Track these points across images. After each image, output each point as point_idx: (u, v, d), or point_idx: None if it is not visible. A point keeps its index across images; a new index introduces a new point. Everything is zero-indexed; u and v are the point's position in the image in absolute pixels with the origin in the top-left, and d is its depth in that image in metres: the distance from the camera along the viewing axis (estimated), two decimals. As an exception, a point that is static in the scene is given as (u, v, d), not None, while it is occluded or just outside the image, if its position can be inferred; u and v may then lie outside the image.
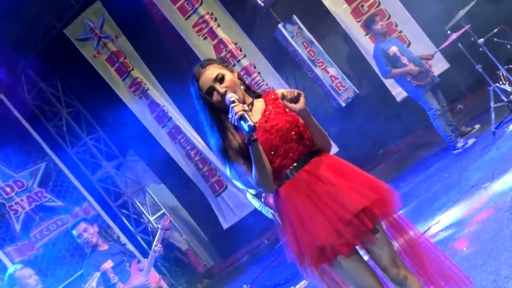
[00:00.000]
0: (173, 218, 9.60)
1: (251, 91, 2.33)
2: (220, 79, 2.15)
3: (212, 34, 7.74)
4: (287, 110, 2.17)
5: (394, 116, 7.38)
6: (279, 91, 2.25)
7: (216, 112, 2.18)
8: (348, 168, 2.20)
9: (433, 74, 5.41)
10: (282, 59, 7.63)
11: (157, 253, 4.68)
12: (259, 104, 2.26)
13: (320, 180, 2.11)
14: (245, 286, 6.46)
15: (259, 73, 7.77)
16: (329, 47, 7.33)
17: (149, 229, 9.48)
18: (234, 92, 2.13)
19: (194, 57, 7.90)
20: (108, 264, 4.46)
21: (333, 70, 7.27)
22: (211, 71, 2.17)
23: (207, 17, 7.71)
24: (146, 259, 4.89)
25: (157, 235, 4.78)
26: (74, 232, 4.54)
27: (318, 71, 7.21)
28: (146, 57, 8.38)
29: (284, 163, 2.16)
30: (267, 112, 2.21)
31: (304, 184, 2.12)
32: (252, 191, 5.18)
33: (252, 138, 2.03)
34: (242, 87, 2.23)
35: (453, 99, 6.48)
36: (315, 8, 7.23)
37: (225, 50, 7.72)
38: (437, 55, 6.31)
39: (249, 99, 2.26)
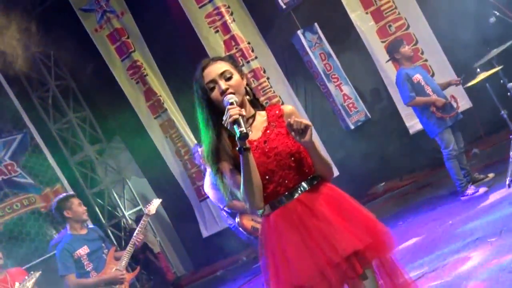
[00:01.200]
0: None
1: (258, 104, 2.27)
2: (227, 77, 2.11)
3: (225, 29, 7.70)
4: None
5: (404, 149, 7.33)
6: (286, 108, 2.22)
7: (213, 109, 2.13)
8: (346, 203, 2.16)
9: (458, 110, 5.37)
10: (295, 67, 7.58)
11: (137, 244, 4.63)
12: (261, 119, 2.21)
13: (313, 214, 2.08)
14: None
15: (268, 78, 7.72)
16: (347, 63, 7.28)
17: (122, 224, 9.38)
18: (236, 94, 2.09)
19: (201, 49, 7.85)
20: (83, 251, 4.42)
21: (347, 89, 7.22)
22: (221, 65, 2.14)
23: (223, 9, 7.67)
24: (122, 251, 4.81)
25: (141, 222, 4.72)
26: (73, 200, 4.47)
27: (331, 87, 7.16)
28: (150, 41, 8.33)
29: (278, 190, 2.12)
30: (268, 131, 2.15)
31: (296, 216, 2.09)
32: (227, 209, 5.14)
33: (244, 147, 1.98)
34: (247, 96, 2.19)
35: (469, 142, 6.43)
36: (339, 20, 7.19)
37: (236, 48, 7.67)
38: (460, 93, 6.28)
39: (251, 111, 2.20)
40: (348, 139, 7.46)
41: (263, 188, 2.09)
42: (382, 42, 6.99)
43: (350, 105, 7.18)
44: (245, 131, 1.94)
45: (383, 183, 7.63)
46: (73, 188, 8.31)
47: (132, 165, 9.36)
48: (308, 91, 7.78)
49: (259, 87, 7.67)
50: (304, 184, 2.13)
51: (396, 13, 6.89)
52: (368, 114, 7.26)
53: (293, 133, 2.03)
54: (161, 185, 8.92)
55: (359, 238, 2.04)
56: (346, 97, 7.21)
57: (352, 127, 7.18)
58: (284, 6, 7.07)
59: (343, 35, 7.29)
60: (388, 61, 6.21)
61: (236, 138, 1.97)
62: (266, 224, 2.16)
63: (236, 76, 2.13)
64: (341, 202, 2.14)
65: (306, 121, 2.01)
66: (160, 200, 5.15)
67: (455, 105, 5.31)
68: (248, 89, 2.20)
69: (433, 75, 6.66)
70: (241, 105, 2.09)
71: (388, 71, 7.02)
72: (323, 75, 7.15)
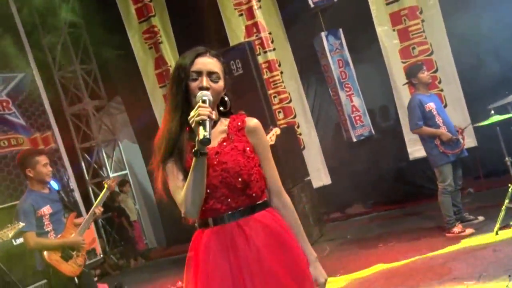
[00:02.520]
0: (133, 183, 9.50)
1: (227, 111, 2.11)
2: (215, 78, 1.99)
3: (250, 14, 7.61)
4: (247, 149, 2.00)
5: (400, 173, 7.30)
6: (250, 122, 2.06)
7: (185, 97, 1.99)
8: (285, 242, 2.00)
9: (464, 147, 5.31)
10: (311, 68, 7.51)
11: (96, 214, 4.53)
12: (221, 128, 2.06)
13: (248, 244, 1.94)
14: (180, 283, 6.34)
15: (281, 72, 7.65)
16: (363, 76, 7.22)
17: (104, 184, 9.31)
18: (211, 96, 1.95)
19: (221, 29, 7.78)
20: (47, 210, 4.25)
21: (357, 101, 7.16)
22: (215, 65, 2.02)
23: (251, -7, 7.58)
24: (83, 217, 4.73)
25: (101, 194, 4.60)
26: (40, 158, 4.30)
27: (342, 95, 7.10)
28: (173, 10, 8.24)
29: (219, 207, 1.97)
30: (224, 143, 2.01)
31: (229, 240, 1.95)
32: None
33: (202, 151, 1.84)
34: (220, 108, 2.07)
35: (466, 180, 6.38)
36: (365, 31, 7.11)
37: (256, 36, 7.59)
38: (468, 130, 6.23)
39: (216, 116, 2.03)
40: (347, 151, 7.43)
41: (203, 201, 1.95)
42: (403, 62, 6.92)
43: (357, 118, 7.12)
44: (208, 136, 1.79)
45: (371, 201, 7.62)
46: (63, 139, 8.23)
47: (127, 129, 9.29)
48: (318, 94, 7.72)
49: (270, 80, 7.61)
50: (248, 208, 1.99)
51: (423, 37, 6.81)
52: (373, 131, 7.21)
53: None
54: (151, 154, 8.85)
55: (282, 284, 1.94)
56: (354, 109, 7.15)
57: (355, 139, 7.12)
58: (312, 5, 6.99)
59: (365, 47, 7.21)
60: (405, 84, 6.13)
61: (196, 140, 1.82)
62: (198, 237, 2.02)
63: (221, 84, 2.01)
64: (280, 238, 1.99)
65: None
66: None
67: (461, 142, 5.26)
68: (226, 99, 2.08)
69: (445, 106, 6.60)
70: (211, 109, 1.94)
71: (402, 93, 6.96)
72: (336, 82, 7.08)
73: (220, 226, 1.98)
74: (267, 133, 5.00)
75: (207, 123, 1.81)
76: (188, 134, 1.99)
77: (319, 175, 7.58)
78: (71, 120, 9.11)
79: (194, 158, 1.86)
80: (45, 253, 4.18)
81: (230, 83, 2.11)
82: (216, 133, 2.03)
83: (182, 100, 1.99)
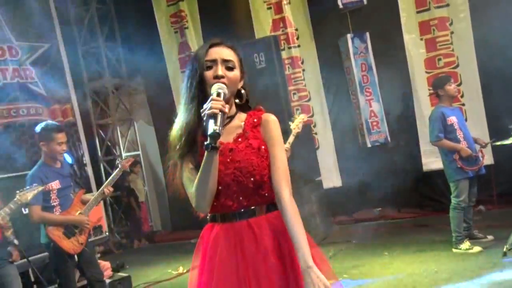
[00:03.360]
0: (144, 165, 9.52)
1: (246, 107, 2.04)
2: (229, 67, 1.94)
3: (278, 8, 7.56)
4: (262, 147, 1.94)
5: (411, 183, 7.23)
6: (269, 117, 1.99)
7: (201, 88, 1.93)
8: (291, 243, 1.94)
9: (482, 164, 5.23)
10: (333, 68, 7.44)
11: (105, 194, 4.50)
12: (237, 123, 2.00)
13: (256, 244, 1.90)
14: (181, 268, 6.36)
15: (303, 70, 7.61)
16: (385, 82, 7.14)
17: (116, 163, 9.34)
18: (227, 87, 1.90)
19: (248, 20, 7.75)
20: (55, 185, 4.23)
21: (376, 106, 7.10)
22: (229, 53, 1.96)
23: (282, -12, 7.53)
24: (92, 193, 4.72)
25: (113, 174, 4.57)
26: (58, 135, 4.22)
27: (362, 99, 7.03)
28: (202, -5, 8.21)
29: (230, 204, 1.93)
30: (239, 139, 1.96)
31: (238, 239, 1.91)
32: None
33: (213, 145, 1.77)
34: (236, 100, 2.00)
35: (479, 197, 6.30)
36: (392, 37, 7.04)
37: (282, 31, 7.55)
38: (488, 149, 6.15)
39: (233, 110, 2.00)
40: (361, 155, 7.36)
41: (215, 197, 1.91)
42: (427, 72, 6.85)
43: (374, 123, 7.06)
44: (218, 130, 1.73)
45: (380, 209, 7.56)
46: (81, 112, 8.26)
47: (144, 110, 9.30)
48: (338, 96, 7.66)
49: (292, 76, 7.57)
50: (259, 208, 1.95)
51: (450, 49, 6.73)
52: (389, 138, 7.15)
53: None
54: (166, 137, 8.85)
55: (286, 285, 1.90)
56: (372, 114, 7.09)
57: (369, 145, 7.07)
58: (341, 6, 6.93)
59: (390, 53, 7.13)
60: (430, 94, 6.04)
61: (207, 133, 1.77)
62: (208, 231, 2.00)
63: (236, 73, 1.96)
64: (288, 240, 1.92)
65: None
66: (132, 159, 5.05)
67: (480, 159, 5.18)
68: (242, 92, 2.01)
69: (466, 120, 6.52)
70: (226, 102, 1.88)
71: (422, 103, 6.90)
72: (357, 85, 7.03)
73: (230, 224, 1.94)
74: (293, 119, 5.01)
75: (219, 116, 1.76)
76: (202, 126, 1.92)
77: (331, 177, 7.54)
78: (90, 95, 9.13)
79: (205, 152, 1.81)
80: (47, 227, 4.20)
81: (247, 77, 2.04)
82: (232, 128, 1.98)
83: (198, 91, 1.93)
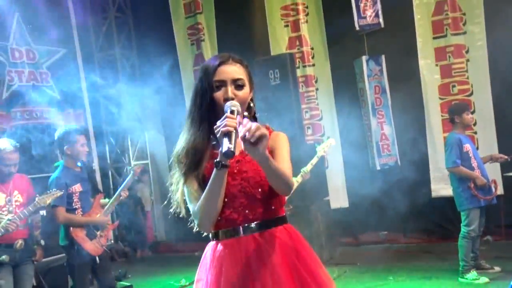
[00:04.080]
0: (152, 174, 9.53)
1: (253, 119, 2.01)
2: (239, 85, 1.92)
3: (295, 26, 7.61)
4: None
5: (419, 208, 7.17)
6: (279, 132, 2.01)
7: (211, 108, 1.92)
8: (300, 260, 1.93)
9: (496, 194, 5.20)
10: (347, 89, 7.44)
11: (121, 197, 4.61)
12: None
13: (263, 260, 1.87)
14: (183, 281, 6.34)
15: (317, 89, 7.63)
16: (398, 105, 7.13)
17: (124, 170, 9.37)
18: (240, 107, 1.88)
19: (265, 36, 7.79)
20: (78, 188, 4.38)
21: (388, 129, 7.09)
22: (238, 71, 1.94)
23: (300, 7, 7.59)
24: (108, 199, 4.83)
25: (127, 179, 4.71)
26: (80, 138, 4.39)
27: (374, 121, 7.03)
28: (220, 10, 8.29)
29: (235, 218, 1.90)
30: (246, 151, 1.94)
31: (244, 254, 1.88)
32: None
33: (224, 163, 1.77)
34: (245, 113, 1.95)
35: (487, 227, 6.25)
36: (407, 61, 7.04)
37: (298, 49, 7.59)
38: (496, 176, 6.11)
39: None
40: (369, 177, 7.32)
41: (220, 211, 1.89)
42: (440, 98, 6.84)
43: (385, 146, 7.04)
44: (233, 149, 1.71)
45: (386, 232, 7.50)
46: (93, 118, 8.33)
47: (156, 119, 9.33)
48: (350, 116, 7.63)
49: (305, 94, 7.58)
50: (266, 222, 1.92)
51: (465, 76, 6.72)
52: (399, 162, 7.11)
53: (246, 145, 1.72)
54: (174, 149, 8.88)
55: None
56: (384, 137, 7.07)
57: (378, 167, 7.04)
58: (358, 28, 6.95)
59: (404, 77, 7.13)
60: (444, 119, 6.02)
61: (220, 151, 1.74)
62: (211, 250, 1.96)
63: (246, 89, 1.95)
64: (298, 258, 1.92)
65: (262, 130, 1.69)
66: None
67: (493, 189, 5.15)
68: (251, 105, 2.01)
69: (477, 149, 6.49)
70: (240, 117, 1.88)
71: (435, 129, 6.88)
72: (370, 107, 7.02)
73: (235, 239, 1.91)
74: (320, 142, 5.11)
75: (233, 135, 1.74)
76: (212, 141, 1.93)
77: (338, 197, 7.51)
78: (103, 101, 9.18)
79: (214, 169, 1.79)
80: (71, 229, 4.30)
81: (261, 93, 2.06)
82: (239, 142, 1.92)
83: (207, 111, 1.93)
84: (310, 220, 6.28)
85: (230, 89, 1.90)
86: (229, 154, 1.71)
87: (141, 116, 9.45)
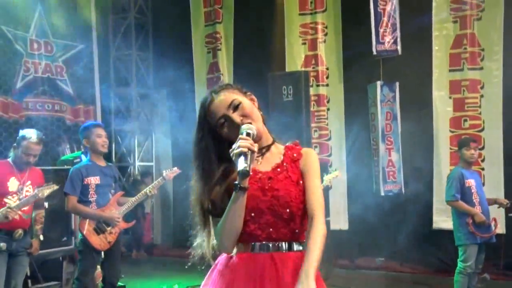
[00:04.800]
0: (155, 177, 9.54)
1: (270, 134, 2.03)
2: (236, 106, 1.89)
3: (313, 45, 7.65)
4: (300, 182, 1.92)
5: (418, 238, 7.13)
6: (305, 151, 1.99)
7: (219, 148, 1.91)
8: None
9: (495, 233, 5.16)
10: (358, 112, 7.45)
11: (148, 197, 4.64)
12: (276, 153, 1.99)
13: (277, 280, 1.84)
14: (176, 286, 6.32)
15: (328, 109, 7.64)
16: (408, 134, 7.12)
17: (128, 170, 9.39)
18: (252, 121, 1.87)
19: (281, 51, 7.84)
20: (94, 180, 4.40)
21: (395, 156, 7.07)
22: (226, 97, 1.91)
23: (319, 26, 7.64)
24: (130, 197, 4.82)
25: (157, 181, 4.75)
26: (97, 129, 4.45)
27: (382, 147, 7.02)
28: (239, 21, 8.35)
29: (259, 234, 1.88)
30: (278, 169, 1.93)
31: (259, 271, 1.86)
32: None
33: (242, 185, 1.77)
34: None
35: (485, 265, 6.20)
36: (421, 91, 7.06)
37: (313, 68, 7.62)
38: (501, 216, 6.08)
39: (269, 140, 1.99)
40: (372, 202, 7.29)
41: (244, 225, 1.86)
42: (451, 131, 6.84)
43: (391, 173, 7.03)
44: (247, 168, 1.71)
45: (383, 259, 7.46)
46: (103, 115, 8.38)
47: (165, 123, 9.37)
48: (359, 140, 7.64)
49: (316, 113, 7.60)
50: (287, 243, 1.91)
51: (478, 112, 6.72)
52: (403, 190, 7.09)
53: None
54: (181, 154, 8.89)
55: None
56: (390, 164, 7.06)
57: (382, 194, 7.02)
58: (375, 53, 6.97)
59: (417, 106, 7.14)
60: (455, 152, 5.99)
61: (237, 172, 1.76)
62: (226, 260, 1.94)
63: (245, 102, 1.91)
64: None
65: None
66: (179, 171, 5.10)
67: (493, 227, 5.12)
68: (260, 113, 1.97)
69: (483, 185, 6.47)
70: (259, 133, 1.87)
71: (442, 161, 6.88)
72: (380, 133, 7.02)
73: (251, 254, 1.89)
74: (328, 171, 5.19)
75: (248, 155, 1.74)
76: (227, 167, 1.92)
77: (338, 219, 7.49)
78: (115, 100, 9.24)
79: (234, 193, 1.79)
80: (80, 220, 4.39)
81: (252, 96, 2.00)
82: (270, 158, 1.97)
83: (219, 154, 1.91)
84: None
85: (234, 116, 1.88)
86: (245, 173, 1.72)
87: (150, 118, 9.50)
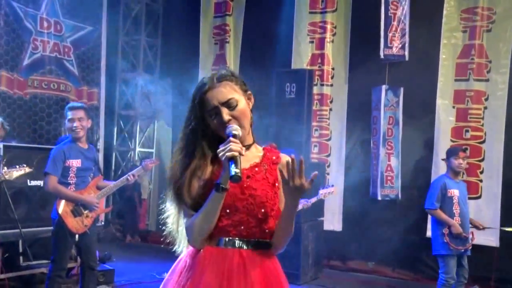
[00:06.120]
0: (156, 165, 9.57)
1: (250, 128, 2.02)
2: (232, 106, 1.88)
3: (320, 44, 7.64)
4: (276, 184, 1.94)
5: (412, 245, 7.15)
6: (284, 158, 1.98)
7: (207, 136, 1.92)
8: (278, 286, 1.94)
9: (470, 246, 5.12)
10: (360, 114, 7.46)
11: (128, 182, 4.63)
12: (255, 153, 2.00)
13: (245, 276, 1.86)
14: (165, 274, 6.36)
15: (330, 109, 7.64)
16: (409, 140, 7.13)
17: (129, 155, 9.43)
18: (240, 125, 1.88)
19: (288, 48, 7.82)
20: (76, 163, 4.37)
21: (394, 162, 7.08)
22: (226, 91, 1.90)
23: (328, 26, 7.63)
24: (111, 182, 4.83)
25: (137, 170, 4.73)
26: (69, 113, 4.40)
27: (382, 151, 7.02)
28: (249, 15, 8.35)
29: (230, 230, 1.89)
30: (256, 169, 1.95)
31: (227, 266, 1.87)
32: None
33: (225, 186, 1.79)
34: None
35: (478, 276, 6.21)
36: (425, 98, 7.05)
37: (319, 67, 7.62)
38: (494, 230, 6.08)
39: (250, 139, 1.99)
40: (368, 206, 7.33)
41: (217, 220, 1.88)
42: (452, 141, 6.82)
43: (389, 178, 7.03)
44: (240, 174, 1.73)
45: (374, 263, 7.48)
46: (106, 98, 8.41)
47: (167, 111, 9.38)
48: (359, 142, 7.66)
49: (318, 112, 7.60)
50: (257, 242, 1.92)
51: (480, 123, 6.71)
52: (400, 195, 7.10)
53: (289, 173, 1.78)
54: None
55: None
56: (389, 168, 7.07)
57: (379, 198, 7.03)
58: (382, 56, 6.96)
59: (420, 113, 7.14)
60: (443, 159, 6.01)
61: (223, 175, 1.79)
62: (194, 253, 1.94)
63: (241, 102, 1.91)
64: (275, 283, 1.93)
65: (308, 183, 1.79)
66: (156, 161, 5.19)
67: (469, 241, 5.09)
68: (251, 115, 1.97)
69: (479, 197, 6.50)
70: (243, 135, 1.89)
71: (440, 170, 6.80)
72: (380, 137, 7.02)
73: (220, 249, 1.90)
74: (324, 186, 5.27)
75: (239, 160, 1.75)
76: (208, 156, 1.92)
77: (332, 219, 7.50)
78: (119, 85, 9.27)
79: (213, 191, 1.81)
80: (58, 201, 4.34)
81: (250, 94, 1.99)
82: (249, 156, 1.95)
83: (202, 140, 1.92)
84: (301, 237, 6.28)
85: (225, 113, 1.87)
86: (237, 179, 1.73)
87: (154, 105, 9.53)
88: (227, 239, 1.90)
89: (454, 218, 5.03)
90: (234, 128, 1.85)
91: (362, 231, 7.44)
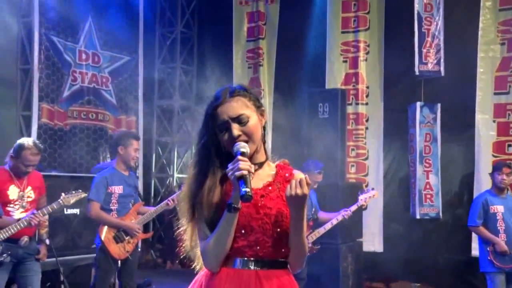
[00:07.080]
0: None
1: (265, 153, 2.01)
2: (243, 122, 1.86)
3: (354, 63, 7.67)
4: None
5: (457, 265, 6.98)
6: (298, 175, 1.93)
7: (219, 151, 1.91)
8: None
9: (515, 265, 4.98)
10: (397, 132, 7.39)
11: (168, 207, 4.70)
12: (268, 171, 1.98)
13: None
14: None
15: (366, 128, 7.61)
16: (448, 156, 7.01)
17: (167, 181, 9.61)
18: (250, 141, 1.87)
19: (322, 68, 7.87)
20: (118, 189, 4.53)
21: (433, 179, 6.96)
22: (238, 106, 1.88)
23: (361, 44, 7.65)
24: (151, 207, 4.96)
25: (176, 194, 4.77)
26: (135, 142, 4.59)
27: (419, 169, 6.92)
28: (282, 38, 8.46)
29: (245, 251, 1.87)
30: (270, 187, 1.93)
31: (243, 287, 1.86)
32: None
33: (236, 206, 1.77)
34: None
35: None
36: (463, 113, 6.96)
37: (353, 86, 7.63)
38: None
39: (263, 157, 1.98)
40: (407, 225, 7.22)
41: (233, 241, 1.86)
42: (493, 156, 6.67)
43: (428, 196, 6.91)
44: (250, 193, 1.71)
45: (419, 284, 7.31)
46: (144, 127, 8.65)
47: (204, 136, 9.53)
48: (396, 160, 7.58)
49: (354, 132, 7.58)
50: (273, 262, 1.90)
51: (523, 137, 6.54)
52: (441, 214, 6.96)
53: (289, 191, 1.78)
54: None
55: None
56: (428, 186, 6.95)
57: (418, 217, 6.91)
58: (417, 73, 6.92)
59: (458, 129, 7.03)
60: (489, 174, 5.86)
61: (234, 195, 1.78)
62: (209, 274, 1.91)
63: (253, 118, 1.88)
64: None
65: (306, 189, 1.78)
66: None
67: None
68: (263, 132, 1.95)
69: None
70: (256, 151, 1.90)
71: (483, 186, 6.65)
72: (418, 154, 6.93)
73: (236, 270, 1.88)
74: (363, 192, 5.25)
75: (248, 178, 1.74)
76: (216, 184, 1.91)
77: (373, 240, 7.40)
78: (157, 111, 9.52)
79: (225, 212, 1.81)
80: (101, 227, 4.48)
81: (263, 110, 1.97)
82: (262, 175, 1.95)
83: (215, 155, 1.91)
84: (339, 260, 6.22)
85: (234, 128, 1.86)
86: (248, 198, 1.72)
87: (191, 130, 9.70)
88: (243, 259, 1.89)
89: (499, 235, 4.93)
90: (242, 146, 1.84)
91: (404, 252, 7.29)
